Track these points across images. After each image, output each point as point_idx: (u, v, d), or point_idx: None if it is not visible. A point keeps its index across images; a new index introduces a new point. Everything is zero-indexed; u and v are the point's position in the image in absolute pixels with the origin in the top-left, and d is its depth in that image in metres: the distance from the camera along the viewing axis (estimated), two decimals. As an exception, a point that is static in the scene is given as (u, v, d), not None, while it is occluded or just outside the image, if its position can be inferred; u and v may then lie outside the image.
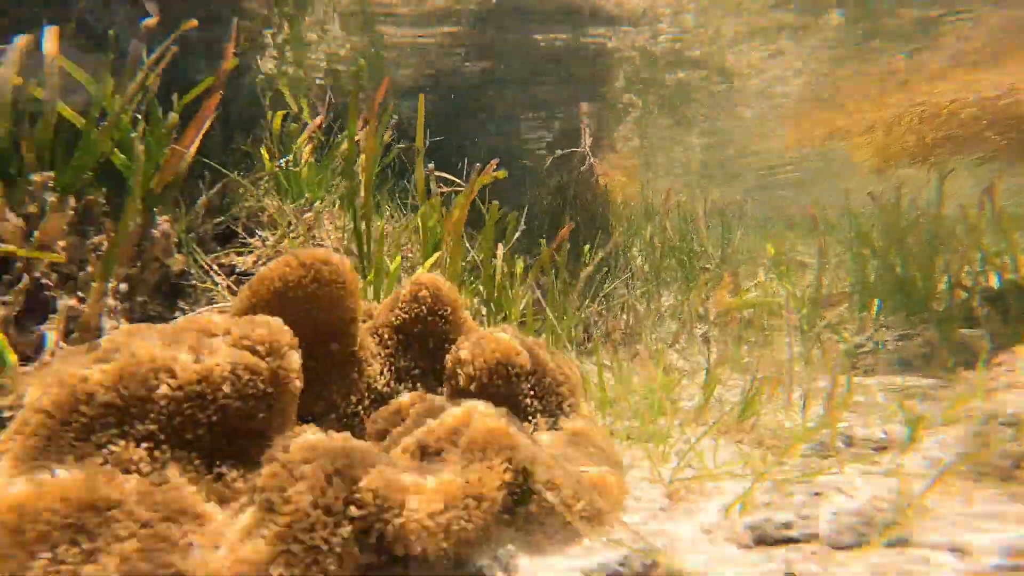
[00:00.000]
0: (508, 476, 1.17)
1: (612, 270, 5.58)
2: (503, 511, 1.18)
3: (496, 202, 2.52)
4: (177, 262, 2.24)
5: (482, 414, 1.24)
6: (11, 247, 1.55)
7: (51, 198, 1.79)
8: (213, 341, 1.26)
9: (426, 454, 1.25)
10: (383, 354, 1.96)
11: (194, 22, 1.93)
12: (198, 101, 2.19)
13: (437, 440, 1.24)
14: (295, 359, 1.35)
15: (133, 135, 1.89)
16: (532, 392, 1.59)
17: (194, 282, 2.39)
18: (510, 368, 1.59)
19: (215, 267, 2.50)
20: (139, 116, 2.04)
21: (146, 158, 1.96)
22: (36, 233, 1.72)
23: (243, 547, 1.01)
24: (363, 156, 2.50)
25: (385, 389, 1.92)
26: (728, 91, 7.90)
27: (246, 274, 2.75)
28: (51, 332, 1.72)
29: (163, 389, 1.16)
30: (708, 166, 13.73)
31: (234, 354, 1.25)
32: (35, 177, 1.75)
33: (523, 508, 1.21)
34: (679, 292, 5.49)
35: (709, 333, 4.15)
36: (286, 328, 1.38)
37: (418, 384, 1.95)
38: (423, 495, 1.06)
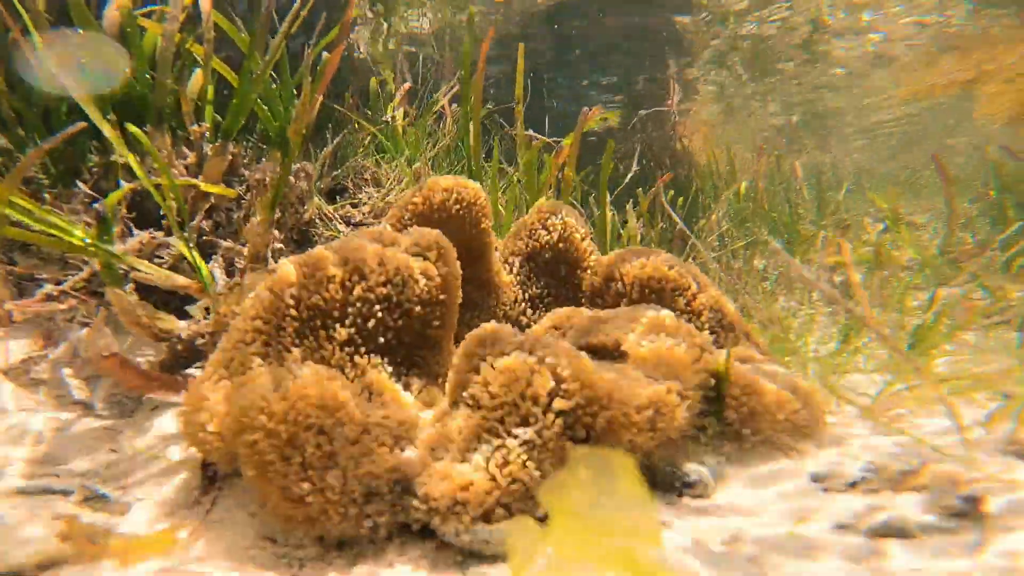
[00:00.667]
0: (701, 377, 1.15)
1: (699, 233, 5.39)
2: (699, 415, 1.16)
3: (611, 140, 2.51)
4: (311, 208, 2.37)
5: (666, 316, 1.24)
6: (192, 180, 1.69)
7: (207, 147, 1.93)
8: (390, 248, 1.33)
9: (609, 358, 1.26)
10: (515, 282, 1.99)
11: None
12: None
13: (617, 342, 1.25)
14: (458, 267, 1.41)
15: (274, 86, 2.00)
16: (687, 308, 1.57)
17: (320, 230, 2.53)
18: (664, 282, 1.58)
19: (337, 216, 2.63)
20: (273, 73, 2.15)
21: (283, 107, 2.07)
22: (200, 177, 1.86)
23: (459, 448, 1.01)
24: (471, 100, 2.54)
25: (521, 317, 1.97)
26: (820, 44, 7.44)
27: (360, 224, 2.88)
28: (217, 269, 1.86)
29: (358, 291, 1.23)
30: (795, 127, 13.03)
31: (410, 259, 1.31)
32: (194, 128, 1.89)
33: (718, 416, 1.18)
34: (773, 253, 5.21)
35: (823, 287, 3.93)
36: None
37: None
38: (625, 390, 1.05)
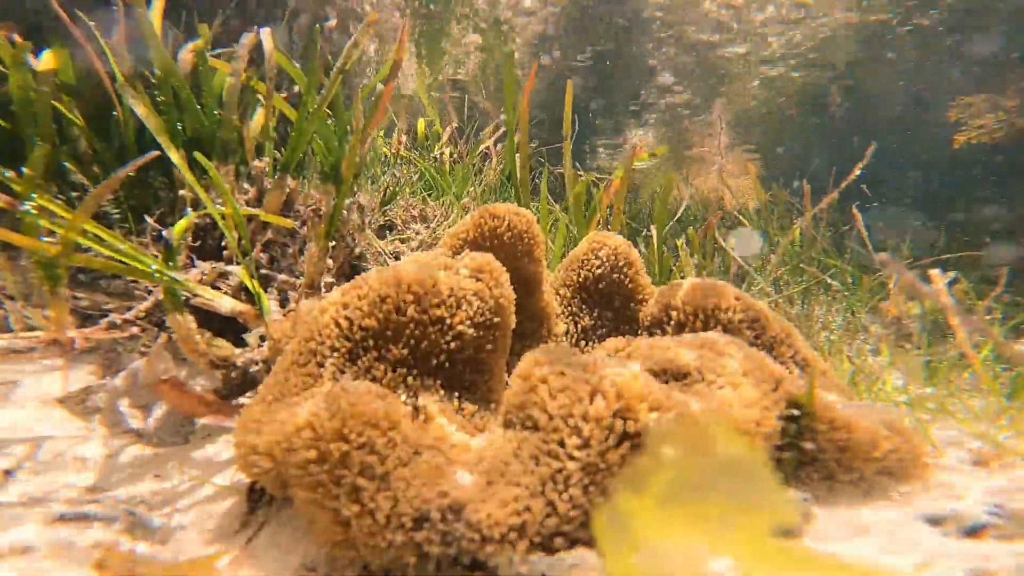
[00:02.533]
0: (780, 406, 1.05)
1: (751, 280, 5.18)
2: (777, 449, 1.06)
3: (671, 173, 2.48)
4: (361, 241, 2.40)
5: (735, 341, 1.16)
6: (253, 210, 1.74)
7: (267, 182, 1.99)
8: (443, 270, 1.31)
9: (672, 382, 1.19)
10: (566, 313, 1.94)
11: (374, 15, 2.09)
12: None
13: (680, 368, 1.17)
14: (511, 290, 1.37)
15: (328, 122, 2.07)
16: (757, 342, 1.47)
17: (370, 264, 2.56)
18: (730, 312, 1.49)
19: (387, 251, 2.66)
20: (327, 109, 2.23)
21: (337, 142, 2.14)
22: (260, 209, 1.91)
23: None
24: (518, 134, 2.57)
25: (574, 349, 1.90)
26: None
27: (410, 261, 2.91)
28: (273, 301, 1.89)
29: (411, 312, 1.21)
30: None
31: (464, 281, 1.28)
32: (256, 163, 1.96)
33: (799, 450, 1.07)
34: (831, 301, 4.96)
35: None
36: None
37: (605, 343, 1.90)
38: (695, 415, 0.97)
